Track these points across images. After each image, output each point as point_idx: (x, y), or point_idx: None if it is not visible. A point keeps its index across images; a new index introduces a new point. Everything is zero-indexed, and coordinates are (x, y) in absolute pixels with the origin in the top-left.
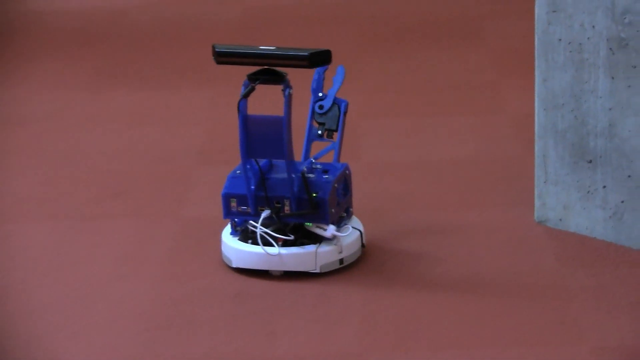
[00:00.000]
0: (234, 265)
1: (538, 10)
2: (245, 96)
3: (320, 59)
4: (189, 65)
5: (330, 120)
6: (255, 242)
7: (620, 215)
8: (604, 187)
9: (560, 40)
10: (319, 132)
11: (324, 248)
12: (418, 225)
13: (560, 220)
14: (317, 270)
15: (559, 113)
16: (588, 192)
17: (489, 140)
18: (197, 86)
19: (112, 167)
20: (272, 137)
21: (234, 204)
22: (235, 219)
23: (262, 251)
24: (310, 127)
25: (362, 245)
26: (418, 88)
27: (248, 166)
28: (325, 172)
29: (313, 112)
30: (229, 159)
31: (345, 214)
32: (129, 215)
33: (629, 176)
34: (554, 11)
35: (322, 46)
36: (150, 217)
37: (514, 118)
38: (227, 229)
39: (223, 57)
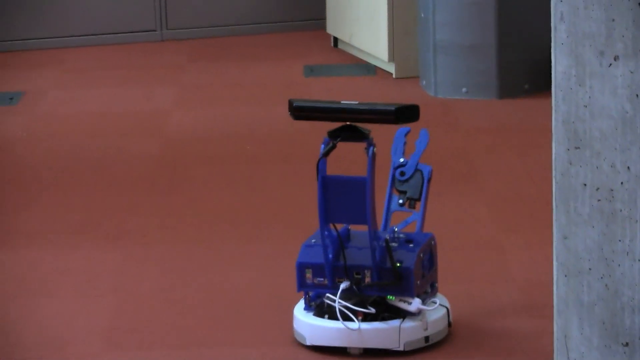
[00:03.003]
0: (308, 343)
1: (556, 146)
2: (326, 154)
3: (407, 114)
4: (87, 219)
5: (412, 188)
6: (332, 317)
7: None
8: None
9: (585, 185)
10: (400, 201)
11: (408, 324)
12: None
13: None
14: (401, 348)
15: (585, 281)
16: None
17: (490, 316)
18: (103, 245)
19: None
20: (354, 201)
21: (309, 275)
22: (310, 293)
23: (340, 327)
24: (390, 195)
25: (449, 324)
26: None
27: (326, 233)
28: (409, 242)
29: (393, 179)
30: (142, 343)
31: (429, 290)
32: None
33: None
34: (576, 147)
35: None
36: None
37: (521, 287)
38: (300, 304)
39: (301, 112)
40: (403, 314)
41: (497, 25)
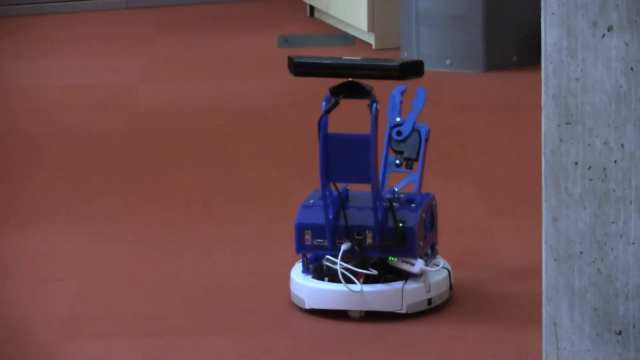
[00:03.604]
0: (307, 307)
1: (546, 122)
2: (328, 112)
3: (412, 70)
4: (49, 200)
5: (409, 148)
6: (332, 280)
7: None
8: None
9: (576, 164)
10: (397, 161)
11: (411, 285)
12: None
13: None
14: (404, 311)
15: (576, 265)
16: None
17: (479, 305)
18: (65, 227)
19: None
20: (357, 159)
21: (308, 236)
22: (307, 255)
23: (342, 289)
24: (387, 155)
25: (450, 287)
26: None
27: (327, 192)
28: (410, 202)
29: (390, 139)
30: (106, 331)
31: (429, 251)
32: None
33: None
34: (567, 123)
35: None
36: None
37: (510, 273)
38: (297, 267)
39: (302, 69)
40: (405, 276)
41: None
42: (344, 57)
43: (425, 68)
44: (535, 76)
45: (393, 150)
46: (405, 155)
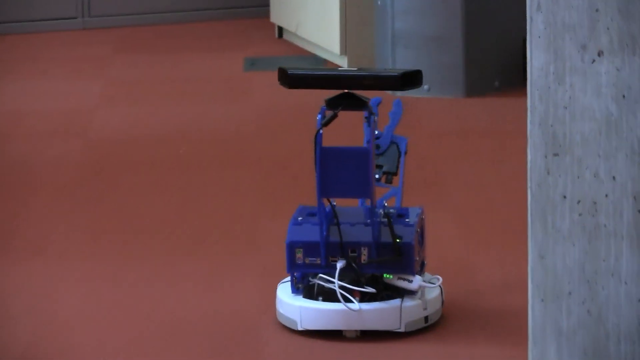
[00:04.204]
0: (301, 328)
1: (532, 152)
2: (325, 125)
3: (413, 80)
4: (7, 229)
5: (388, 162)
6: (327, 299)
7: None
8: None
9: (564, 197)
10: (377, 176)
11: (408, 303)
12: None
13: None
14: (402, 329)
15: (564, 305)
16: None
17: (459, 347)
18: (17, 261)
19: None
20: (355, 173)
21: (299, 254)
22: (295, 274)
23: (339, 308)
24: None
25: (442, 303)
26: None
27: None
28: (401, 216)
29: None
30: None
31: (419, 268)
32: None
33: None
34: (555, 154)
35: None
36: None
37: (494, 313)
38: (282, 288)
39: (297, 81)
40: (401, 293)
41: (464, 13)
42: (340, 69)
43: (402, 93)
44: (519, 102)
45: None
46: (384, 169)
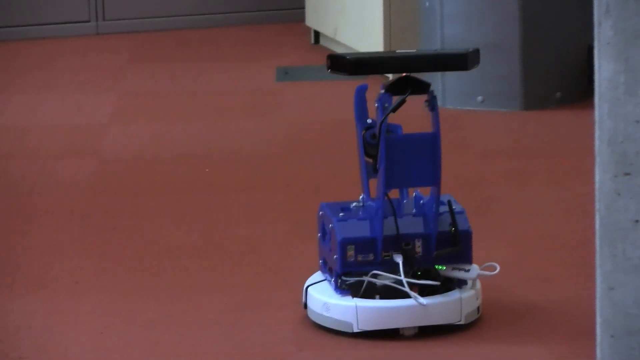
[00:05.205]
0: (358, 329)
1: (600, 173)
2: (394, 110)
3: (476, 59)
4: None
5: None
6: (384, 296)
7: None
8: None
9: (636, 222)
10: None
11: (466, 293)
12: None
13: None
14: (462, 322)
15: (635, 343)
16: None
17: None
18: (23, 295)
19: None
20: (424, 160)
21: (351, 252)
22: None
23: (398, 305)
24: (366, 162)
25: None
26: None
27: (371, 203)
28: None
29: (364, 143)
30: None
31: None
32: None
33: None
34: (626, 174)
35: None
36: None
37: (559, 354)
38: (319, 290)
39: (359, 67)
40: (457, 284)
41: (522, 17)
42: (398, 51)
43: (452, 105)
44: (584, 117)
45: (368, 155)
46: None
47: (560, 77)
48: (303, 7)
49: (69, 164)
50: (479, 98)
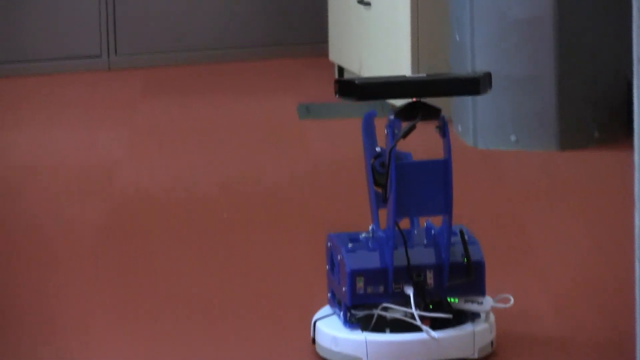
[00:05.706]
0: None
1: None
2: (405, 136)
3: (488, 83)
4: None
5: None
6: (395, 330)
7: None
8: None
9: None
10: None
11: (479, 327)
12: None
13: None
14: (476, 356)
15: None
16: None
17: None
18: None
19: None
20: (434, 188)
21: (360, 284)
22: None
23: (410, 339)
24: (375, 191)
25: None
26: None
27: (381, 234)
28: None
29: (373, 171)
30: None
31: None
32: None
33: None
34: None
35: None
36: None
37: None
38: (328, 324)
39: (368, 92)
40: (471, 317)
41: (557, 50)
42: (408, 75)
43: (484, 145)
44: (624, 157)
45: (377, 184)
46: None
47: (598, 114)
48: (326, 42)
49: (79, 204)
50: (513, 137)
